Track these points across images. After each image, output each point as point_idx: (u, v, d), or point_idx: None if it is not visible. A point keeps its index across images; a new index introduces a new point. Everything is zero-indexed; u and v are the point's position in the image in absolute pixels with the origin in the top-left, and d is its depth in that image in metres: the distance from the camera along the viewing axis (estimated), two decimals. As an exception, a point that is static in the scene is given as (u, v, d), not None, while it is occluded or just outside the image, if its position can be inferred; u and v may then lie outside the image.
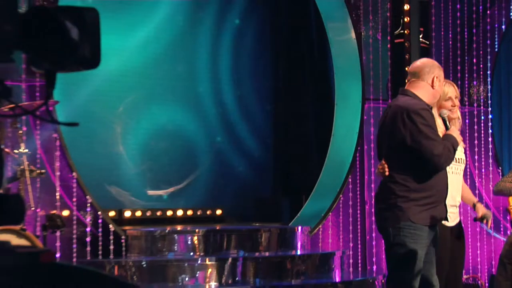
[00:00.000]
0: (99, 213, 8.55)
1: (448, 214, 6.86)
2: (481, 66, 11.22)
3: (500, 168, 11.07)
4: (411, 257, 6.21)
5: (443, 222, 6.92)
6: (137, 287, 1.71)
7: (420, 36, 10.37)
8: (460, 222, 7.24)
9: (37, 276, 1.88)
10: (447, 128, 6.49)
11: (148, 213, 10.37)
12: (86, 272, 2.06)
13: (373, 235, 9.80)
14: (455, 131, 6.49)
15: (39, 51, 1.74)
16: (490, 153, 10.72)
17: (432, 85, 6.35)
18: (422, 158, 6.21)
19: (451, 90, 7.03)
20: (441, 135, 6.65)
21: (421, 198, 6.28)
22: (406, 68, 6.72)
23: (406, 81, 6.53)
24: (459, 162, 7.00)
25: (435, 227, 6.44)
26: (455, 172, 7.04)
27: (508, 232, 9.54)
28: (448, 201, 6.94)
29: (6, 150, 7.01)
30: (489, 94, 11.25)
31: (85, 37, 1.74)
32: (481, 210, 7.15)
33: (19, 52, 1.74)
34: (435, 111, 6.78)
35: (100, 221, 8.53)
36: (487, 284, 10.28)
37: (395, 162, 6.38)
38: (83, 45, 1.75)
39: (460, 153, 6.92)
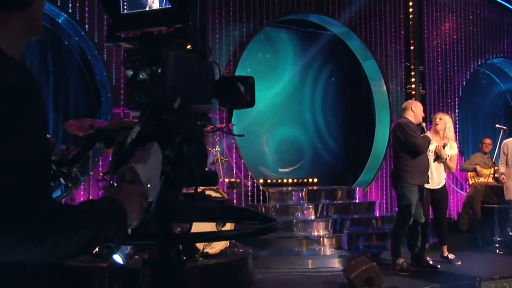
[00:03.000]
0: (255, 180, 8.61)
1: (435, 182, 6.78)
2: (453, 103, 10.84)
3: (463, 157, 10.67)
4: (409, 201, 6.23)
5: (432, 186, 6.79)
6: (275, 219, 1.70)
7: (420, 87, 10.13)
8: (445, 186, 7.08)
9: (225, 212, 1.90)
10: (425, 131, 6.46)
11: (279, 181, 10.41)
12: (248, 210, 2.08)
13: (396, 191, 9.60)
14: (429, 133, 6.48)
15: (224, 98, 1.76)
16: (458, 148, 10.33)
17: (413, 111, 6.43)
18: (411, 148, 6.21)
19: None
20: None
21: (413, 170, 6.26)
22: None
23: (402, 111, 6.65)
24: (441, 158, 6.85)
25: (423, 186, 6.39)
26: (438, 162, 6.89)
27: (467, 191, 9.26)
28: (438, 177, 6.86)
29: (209, 148, 7.13)
30: (457, 117, 10.91)
31: (247, 91, 1.75)
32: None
33: (215, 99, 1.75)
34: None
35: (255, 184, 8.59)
36: (456, 218, 9.90)
37: (399, 151, 6.40)
38: (246, 95, 1.75)
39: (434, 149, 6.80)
